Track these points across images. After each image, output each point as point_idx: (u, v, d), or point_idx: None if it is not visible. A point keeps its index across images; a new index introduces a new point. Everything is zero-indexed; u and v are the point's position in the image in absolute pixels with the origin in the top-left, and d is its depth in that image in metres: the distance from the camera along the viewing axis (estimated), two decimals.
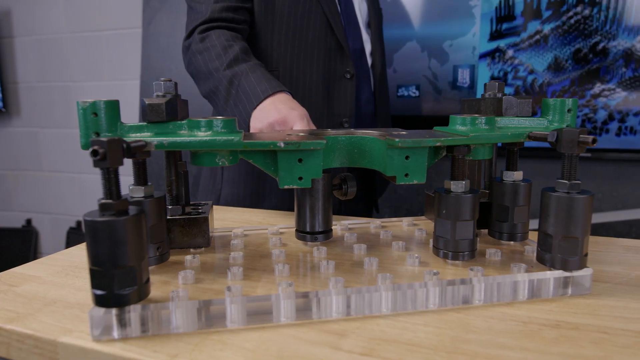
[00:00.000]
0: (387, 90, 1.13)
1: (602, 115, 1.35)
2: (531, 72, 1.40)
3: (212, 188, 1.00)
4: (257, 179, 0.95)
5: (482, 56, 1.44)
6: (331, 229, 0.57)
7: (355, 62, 0.98)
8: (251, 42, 0.92)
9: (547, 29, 1.36)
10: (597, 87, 1.34)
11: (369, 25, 1.05)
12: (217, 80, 0.82)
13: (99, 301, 0.37)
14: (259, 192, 0.96)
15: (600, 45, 1.32)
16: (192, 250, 0.56)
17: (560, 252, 0.44)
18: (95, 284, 0.36)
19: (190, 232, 0.54)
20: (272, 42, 0.93)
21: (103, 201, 0.36)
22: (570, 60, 1.36)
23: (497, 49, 1.42)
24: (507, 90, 1.44)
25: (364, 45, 1.02)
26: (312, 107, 0.94)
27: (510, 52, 1.41)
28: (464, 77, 1.46)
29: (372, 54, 1.04)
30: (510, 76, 1.43)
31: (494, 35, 1.42)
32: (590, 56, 1.34)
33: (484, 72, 1.45)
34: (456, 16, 1.45)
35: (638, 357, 0.34)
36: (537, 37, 1.38)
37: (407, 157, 0.46)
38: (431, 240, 0.53)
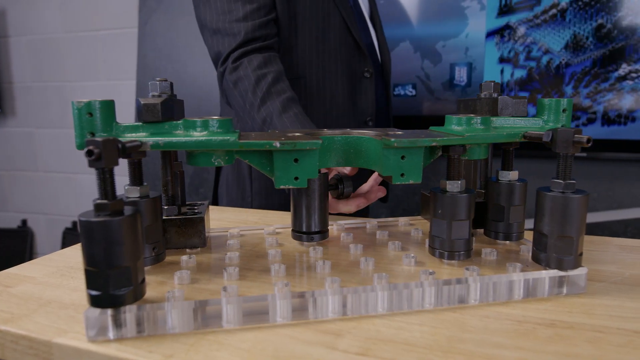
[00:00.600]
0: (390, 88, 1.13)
1: (628, 100, 1.16)
2: (546, 51, 1.22)
3: (242, 200, 0.98)
4: None
5: (490, 34, 1.26)
6: (327, 229, 0.57)
7: (370, 60, 0.98)
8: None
9: (564, 1, 1.17)
10: (623, 69, 1.15)
11: (371, 19, 1.05)
12: (252, 120, 0.82)
13: (95, 302, 0.37)
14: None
15: (627, 20, 1.12)
16: (188, 250, 0.56)
17: (555, 251, 0.44)
18: (90, 285, 0.36)
19: (186, 232, 0.54)
20: (297, 50, 0.92)
21: (98, 201, 0.36)
22: (591, 37, 1.16)
23: (507, 26, 1.23)
24: (519, 72, 1.26)
25: (373, 41, 1.02)
26: (340, 109, 0.94)
27: (522, 29, 1.22)
28: (461, 75, 1.42)
29: (380, 49, 1.04)
30: (522, 57, 1.24)
31: (504, 10, 1.23)
32: (614, 33, 1.14)
33: (492, 53, 1.27)
34: (449, 17, 1.41)
35: (633, 355, 0.34)
36: (553, 11, 1.18)
37: (402, 157, 0.46)
38: (427, 240, 0.53)
